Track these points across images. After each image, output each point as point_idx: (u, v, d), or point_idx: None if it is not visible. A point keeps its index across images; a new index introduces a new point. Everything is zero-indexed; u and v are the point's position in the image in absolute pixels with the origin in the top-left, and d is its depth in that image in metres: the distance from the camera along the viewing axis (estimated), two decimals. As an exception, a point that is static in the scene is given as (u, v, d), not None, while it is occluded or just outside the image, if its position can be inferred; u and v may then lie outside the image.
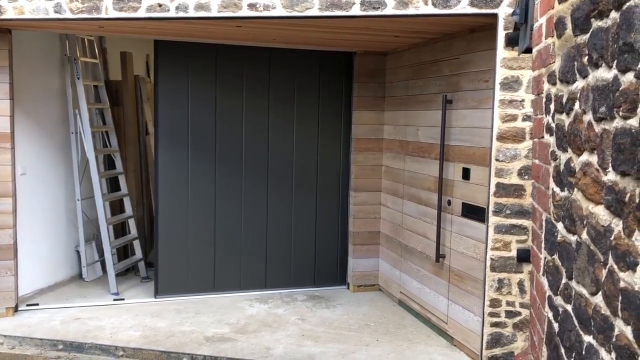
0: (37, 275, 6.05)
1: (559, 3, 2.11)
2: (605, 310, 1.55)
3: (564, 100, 2.06)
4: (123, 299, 6.03)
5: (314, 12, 4.38)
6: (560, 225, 2.12)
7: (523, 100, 4.19)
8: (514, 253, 4.28)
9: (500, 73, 4.21)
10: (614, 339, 1.48)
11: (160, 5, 4.53)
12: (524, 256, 4.21)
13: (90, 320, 5.42)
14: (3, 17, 4.72)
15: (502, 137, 4.24)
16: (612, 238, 1.50)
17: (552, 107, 2.32)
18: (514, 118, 4.22)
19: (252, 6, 4.43)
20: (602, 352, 1.57)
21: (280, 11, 4.42)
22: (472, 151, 4.74)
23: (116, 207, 7.00)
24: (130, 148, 7.13)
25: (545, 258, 2.42)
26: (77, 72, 6.28)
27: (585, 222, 1.76)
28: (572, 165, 1.94)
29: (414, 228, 5.70)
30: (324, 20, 4.49)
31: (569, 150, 1.98)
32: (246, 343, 4.98)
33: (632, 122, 1.37)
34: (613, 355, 1.48)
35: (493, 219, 4.29)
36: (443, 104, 5.05)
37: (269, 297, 6.23)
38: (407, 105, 5.86)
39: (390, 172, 6.22)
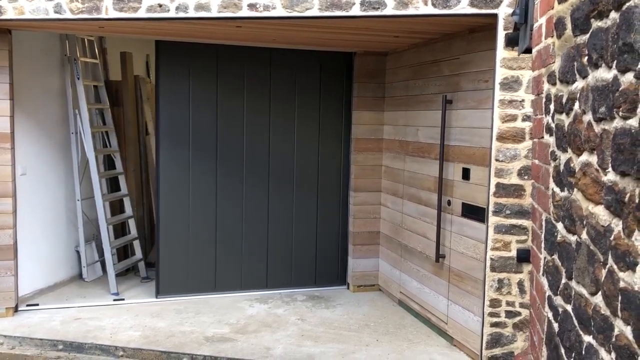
0: (37, 275, 6.06)
1: (559, 3, 2.11)
2: (605, 310, 1.55)
3: (564, 100, 2.07)
4: (123, 299, 6.03)
5: (314, 12, 4.38)
6: (560, 226, 2.12)
7: (523, 101, 4.19)
8: (513, 253, 4.29)
9: (500, 73, 4.21)
10: (613, 339, 1.48)
11: (160, 6, 4.53)
12: (523, 256, 4.21)
13: (90, 321, 5.42)
14: (3, 17, 4.72)
15: (502, 137, 4.24)
16: (611, 238, 1.50)
17: (552, 107, 2.32)
18: (513, 118, 4.22)
19: (252, 6, 4.43)
20: (602, 352, 1.57)
21: (280, 11, 4.42)
22: (472, 151, 4.75)
23: (116, 207, 7.00)
24: (130, 148, 7.13)
25: (545, 258, 2.42)
26: (77, 72, 6.28)
27: (585, 222, 1.77)
28: (571, 165, 1.94)
29: (414, 228, 5.70)
30: (324, 20, 4.49)
31: (569, 150, 1.98)
32: (246, 343, 4.98)
33: (632, 122, 1.38)
34: (613, 355, 1.48)
35: (493, 219, 4.29)
36: (443, 104, 5.05)
37: (269, 297, 6.23)
38: (407, 106, 5.86)
39: (390, 172, 6.23)
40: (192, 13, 4.50)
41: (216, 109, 6.07)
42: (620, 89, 1.43)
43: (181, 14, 4.52)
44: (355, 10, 4.33)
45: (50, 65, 6.29)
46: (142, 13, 4.55)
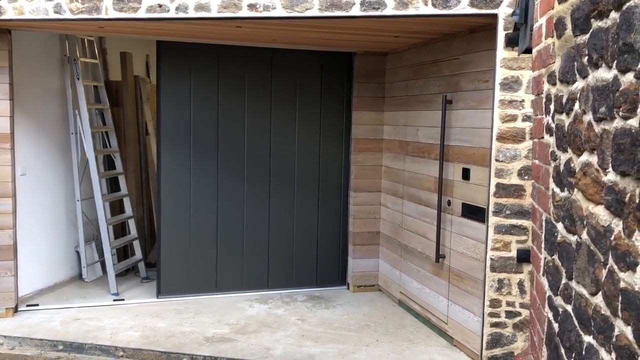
0: (37, 275, 6.05)
1: (559, 3, 2.11)
2: (605, 311, 1.55)
3: (564, 100, 2.06)
4: (123, 300, 6.03)
5: (314, 12, 4.38)
6: (560, 226, 2.12)
7: (523, 101, 4.19)
8: (514, 253, 4.28)
9: (500, 73, 4.21)
10: (614, 339, 1.48)
11: (160, 6, 4.53)
12: (524, 256, 4.21)
13: (90, 321, 5.42)
14: (3, 17, 4.72)
15: (502, 138, 4.24)
16: (612, 238, 1.50)
17: (552, 107, 2.32)
18: (513, 118, 4.22)
19: (252, 6, 4.43)
20: (602, 353, 1.57)
21: (280, 12, 4.42)
22: (472, 151, 4.75)
23: (116, 208, 7.00)
24: (130, 148, 7.13)
25: (545, 258, 2.42)
26: (77, 72, 6.28)
27: (585, 223, 1.76)
28: (572, 165, 1.94)
29: (414, 228, 5.70)
30: (323, 20, 4.49)
31: (569, 150, 1.98)
32: (246, 343, 4.98)
33: (632, 122, 1.37)
34: (613, 355, 1.48)
35: (493, 219, 4.29)
36: (443, 104, 5.05)
37: (269, 297, 6.23)
38: (407, 106, 5.86)
39: (390, 172, 6.22)
40: (192, 13, 4.50)
41: (217, 110, 6.07)
42: (621, 89, 1.43)
43: (181, 14, 4.52)
44: (355, 11, 4.33)
45: (50, 65, 6.29)
46: (142, 13, 4.55)
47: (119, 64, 7.15)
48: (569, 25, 1.96)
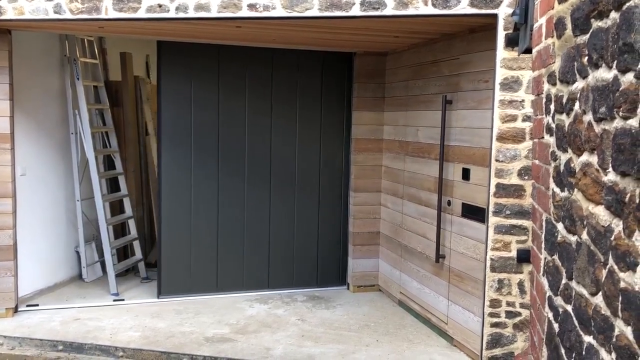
0: (37, 275, 6.05)
1: (559, 3, 2.11)
2: (605, 311, 1.55)
3: (564, 100, 2.06)
4: (123, 300, 6.03)
5: (314, 12, 4.38)
6: (560, 226, 2.12)
7: (523, 101, 4.19)
8: (514, 253, 4.28)
9: (500, 73, 4.21)
10: (614, 340, 1.48)
11: (160, 6, 4.53)
12: (524, 256, 4.21)
13: (90, 321, 5.42)
14: (3, 17, 4.72)
15: (502, 138, 4.24)
16: (612, 238, 1.50)
17: (552, 107, 2.31)
18: (513, 118, 4.22)
19: (251, 7, 4.43)
20: (603, 353, 1.57)
21: (280, 12, 4.42)
22: (472, 151, 4.74)
23: (116, 208, 7.00)
24: (130, 149, 7.13)
25: (545, 258, 2.42)
26: (77, 72, 6.28)
27: (585, 223, 1.76)
28: (572, 165, 1.94)
29: (414, 228, 5.70)
30: (323, 20, 4.49)
31: (569, 150, 1.98)
32: (246, 344, 4.98)
33: (632, 122, 1.37)
34: (613, 355, 1.48)
35: (493, 220, 4.29)
36: (443, 104, 5.05)
37: (269, 297, 6.23)
38: (407, 106, 5.86)
39: (390, 172, 6.22)
40: (191, 13, 4.50)
41: (218, 110, 6.08)
42: (621, 89, 1.43)
43: (181, 14, 4.52)
44: (355, 11, 4.33)
45: (50, 65, 6.29)
46: (141, 13, 4.55)
47: (119, 64, 7.15)
48: (569, 25, 1.96)
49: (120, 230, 7.07)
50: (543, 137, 2.55)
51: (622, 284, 1.42)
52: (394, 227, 6.14)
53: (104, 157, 6.84)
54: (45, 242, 6.22)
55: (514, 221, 4.26)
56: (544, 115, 2.51)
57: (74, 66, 6.30)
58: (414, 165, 5.71)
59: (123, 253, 6.99)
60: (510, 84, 4.19)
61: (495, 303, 4.33)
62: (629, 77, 1.39)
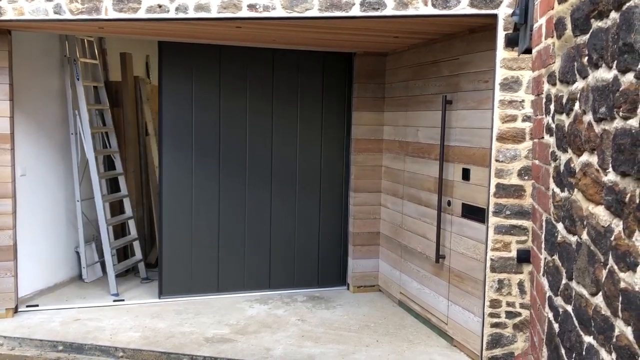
0: (36, 276, 6.05)
1: (559, 3, 2.11)
2: (605, 311, 1.55)
3: (564, 100, 2.06)
4: (123, 300, 6.03)
5: (314, 12, 4.38)
6: (560, 226, 2.12)
7: (523, 101, 4.19)
8: (514, 253, 4.28)
9: (500, 73, 4.21)
10: (614, 340, 1.48)
11: (160, 6, 4.53)
12: (524, 257, 4.21)
13: (90, 321, 5.42)
14: (3, 18, 4.72)
15: (502, 138, 4.24)
16: (612, 238, 1.50)
17: (552, 107, 2.31)
18: (513, 118, 4.22)
19: (251, 7, 4.43)
20: (603, 353, 1.57)
21: (279, 12, 4.42)
22: (472, 152, 4.74)
23: (116, 208, 7.00)
24: (130, 149, 7.13)
25: (545, 258, 2.42)
26: (77, 73, 6.28)
27: (585, 223, 1.76)
28: (572, 165, 1.94)
29: (414, 229, 5.70)
30: (323, 21, 4.49)
31: (569, 150, 1.98)
32: (246, 344, 4.98)
33: (632, 122, 1.37)
34: (613, 355, 1.48)
35: (493, 220, 4.29)
36: (443, 104, 5.05)
37: (269, 297, 6.22)
38: (407, 106, 5.86)
39: (390, 172, 6.22)
40: (191, 14, 4.50)
41: (219, 110, 6.08)
42: (621, 89, 1.43)
43: (181, 15, 4.52)
44: (355, 11, 4.33)
45: (50, 66, 6.29)
46: (141, 14, 4.55)
47: (119, 64, 7.15)
48: (569, 26, 1.96)
49: (120, 230, 7.07)
50: (543, 137, 2.55)
51: (622, 284, 1.42)
52: (394, 228, 6.14)
53: (104, 157, 6.84)
54: (45, 243, 6.22)
55: (514, 221, 4.26)
56: (544, 116, 2.51)
57: (74, 66, 6.30)
58: (414, 165, 5.71)
59: (123, 253, 6.99)
60: (510, 84, 4.19)
61: (495, 303, 4.33)
62: (629, 77, 1.39)
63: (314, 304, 6.08)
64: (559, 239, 2.15)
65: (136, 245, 6.88)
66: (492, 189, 4.29)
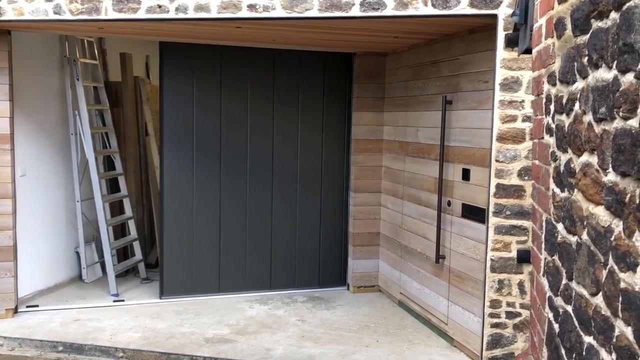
0: (36, 276, 6.05)
1: (559, 4, 2.11)
2: (605, 311, 1.55)
3: (564, 100, 2.06)
4: (123, 301, 6.03)
5: (314, 13, 4.38)
6: (560, 226, 2.12)
7: (523, 101, 4.19)
8: (514, 254, 4.28)
9: (500, 74, 4.21)
10: (614, 340, 1.48)
11: (160, 7, 4.53)
12: (524, 257, 4.21)
13: (90, 322, 5.42)
14: (3, 18, 4.72)
15: (502, 138, 4.24)
16: (612, 239, 1.50)
17: (552, 107, 2.31)
18: (513, 119, 4.21)
19: (251, 7, 4.43)
20: (603, 353, 1.57)
21: (279, 12, 4.42)
22: (472, 152, 4.74)
23: (116, 209, 7.00)
24: (130, 149, 7.13)
25: (545, 259, 2.42)
26: (77, 73, 6.28)
27: (585, 223, 1.76)
28: (572, 166, 1.94)
29: (414, 229, 5.70)
30: (323, 21, 4.49)
31: (569, 151, 1.98)
32: (246, 344, 4.98)
33: (632, 122, 1.37)
34: (613, 356, 1.48)
35: (493, 220, 4.29)
36: (443, 104, 5.05)
37: (269, 298, 6.22)
38: (406, 106, 5.86)
39: (390, 173, 6.22)
40: (191, 14, 4.50)
41: (220, 111, 6.08)
42: (621, 89, 1.43)
43: (181, 15, 4.52)
44: (355, 11, 4.33)
45: (49, 66, 6.29)
46: (141, 14, 4.55)
47: (119, 64, 7.15)
48: (569, 26, 1.96)
49: (120, 230, 7.07)
50: (543, 138, 2.55)
51: (622, 285, 1.42)
52: (394, 228, 6.14)
53: (103, 157, 6.84)
54: (45, 243, 6.22)
55: (514, 221, 4.26)
56: (544, 116, 2.51)
57: (73, 67, 6.30)
58: (414, 165, 5.71)
59: (123, 254, 6.99)
60: (510, 85, 4.19)
61: (495, 303, 4.33)
62: (629, 77, 1.39)
63: (314, 304, 6.08)
64: (559, 239, 2.15)
65: (136, 246, 6.88)
66: (492, 189, 4.29)
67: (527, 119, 4.18)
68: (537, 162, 2.74)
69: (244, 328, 5.35)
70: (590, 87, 1.70)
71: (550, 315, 2.26)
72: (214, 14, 4.48)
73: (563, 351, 2.02)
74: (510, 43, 3.90)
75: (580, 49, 1.81)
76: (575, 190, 1.88)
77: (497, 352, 4.37)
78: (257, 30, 4.99)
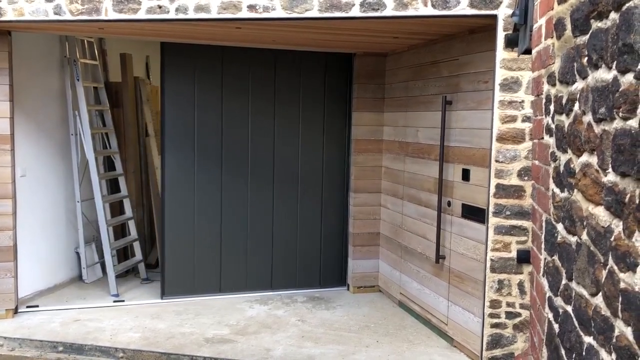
0: (37, 276, 6.05)
1: (559, 4, 2.11)
2: (605, 311, 1.55)
3: (564, 101, 2.06)
4: (123, 301, 6.03)
5: (314, 13, 4.38)
6: (560, 226, 2.12)
7: (523, 101, 4.19)
8: (514, 254, 4.28)
9: (500, 74, 4.21)
10: (614, 340, 1.48)
11: (160, 7, 4.53)
12: (524, 257, 4.21)
13: (90, 322, 5.42)
14: (3, 18, 4.72)
15: (501, 138, 4.24)
16: (612, 239, 1.50)
17: (551, 108, 2.32)
18: (513, 119, 4.22)
19: (251, 8, 4.44)
20: (603, 353, 1.57)
21: (279, 12, 4.42)
22: (472, 152, 4.75)
23: (116, 209, 7.00)
24: (130, 149, 7.13)
25: (545, 259, 2.42)
26: (77, 73, 6.28)
27: (585, 223, 1.76)
28: (571, 166, 1.94)
29: (414, 229, 5.70)
30: (323, 21, 4.49)
31: (569, 151, 1.98)
32: (246, 344, 4.98)
33: (632, 123, 1.37)
34: (613, 356, 1.48)
35: (493, 220, 4.29)
36: (443, 105, 5.05)
37: (269, 298, 6.22)
38: (406, 107, 5.86)
39: (390, 173, 6.22)
40: (191, 14, 4.50)
41: (221, 111, 6.08)
42: (620, 89, 1.43)
43: (181, 15, 4.52)
44: (355, 12, 4.33)
45: (49, 66, 6.29)
46: (141, 14, 4.55)
47: (119, 65, 7.15)
48: (569, 26, 1.96)
49: (120, 231, 7.07)
50: (543, 138, 2.55)
51: (622, 285, 1.42)
52: (394, 228, 6.14)
53: (104, 158, 6.84)
54: (45, 243, 6.22)
55: (514, 222, 4.26)
56: (544, 116, 2.51)
57: (74, 67, 6.30)
58: (414, 166, 5.71)
59: (123, 254, 6.99)
60: (510, 85, 4.20)
61: (495, 304, 4.33)
62: (629, 77, 1.39)
63: (314, 304, 6.08)
64: (558, 239, 2.15)
65: (136, 246, 6.88)
66: (492, 190, 4.29)
67: (526, 119, 4.18)
68: (537, 162, 2.75)
69: (244, 328, 5.36)
70: (590, 88, 1.70)
71: (550, 316, 2.26)
72: (214, 14, 4.48)
73: (563, 351, 2.02)
74: (510, 43, 3.90)
75: (580, 50, 1.82)
76: (575, 190, 1.88)
77: (497, 352, 4.37)
78: (257, 30, 4.99)
